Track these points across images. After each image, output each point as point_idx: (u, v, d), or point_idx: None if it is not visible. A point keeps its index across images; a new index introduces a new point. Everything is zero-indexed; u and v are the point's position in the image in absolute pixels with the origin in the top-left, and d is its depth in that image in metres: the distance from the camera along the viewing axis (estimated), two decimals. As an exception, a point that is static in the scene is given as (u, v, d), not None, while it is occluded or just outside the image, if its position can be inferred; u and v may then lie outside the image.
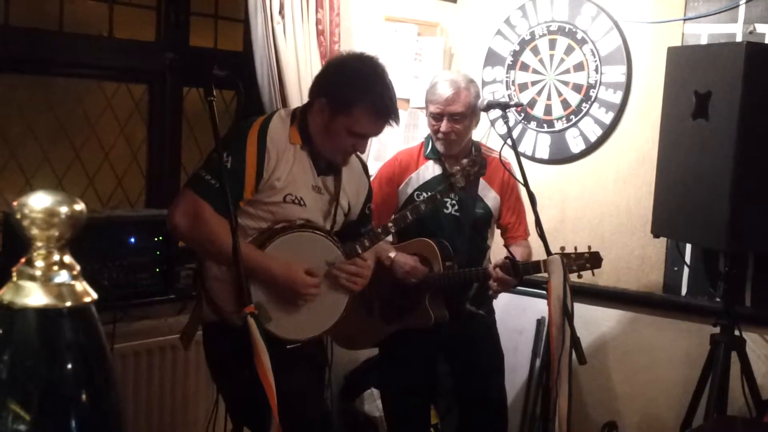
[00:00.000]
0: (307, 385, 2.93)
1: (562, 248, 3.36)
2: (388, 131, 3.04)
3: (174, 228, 2.77)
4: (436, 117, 3.53)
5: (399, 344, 3.65)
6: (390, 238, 3.43)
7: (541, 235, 3.29)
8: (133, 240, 3.48)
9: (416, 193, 3.59)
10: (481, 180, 3.54)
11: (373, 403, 4.35)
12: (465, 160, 3.32)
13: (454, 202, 3.57)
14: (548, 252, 3.23)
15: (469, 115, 3.52)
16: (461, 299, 3.61)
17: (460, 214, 3.58)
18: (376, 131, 2.93)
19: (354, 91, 2.81)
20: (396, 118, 2.92)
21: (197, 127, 4.05)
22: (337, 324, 2.99)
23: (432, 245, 3.52)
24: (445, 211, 3.58)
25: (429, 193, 3.33)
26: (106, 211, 3.57)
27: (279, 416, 2.36)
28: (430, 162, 3.63)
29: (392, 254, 3.50)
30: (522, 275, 3.34)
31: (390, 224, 3.10)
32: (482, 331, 3.73)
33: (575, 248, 3.39)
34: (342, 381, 4.51)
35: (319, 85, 2.93)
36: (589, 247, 3.41)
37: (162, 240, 3.55)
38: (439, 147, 3.58)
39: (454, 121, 3.49)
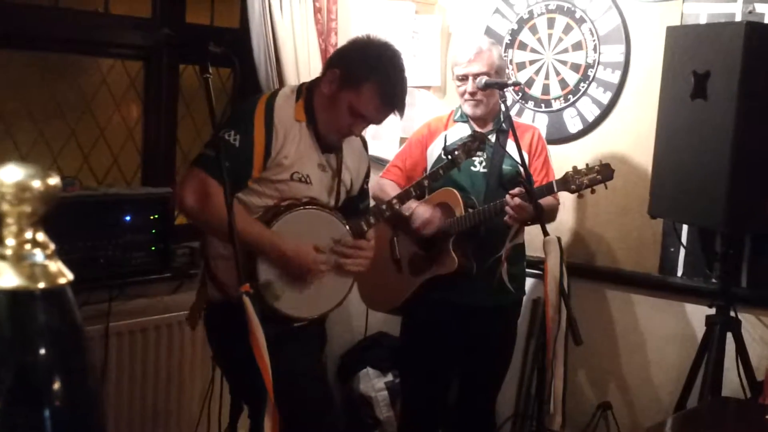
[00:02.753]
0: (312, 365, 2.95)
1: (574, 167, 3.41)
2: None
3: (183, 207, 2.77)
4: (461, 78, 3.62)
5: (423, 311, 3.69)
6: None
7: (539, 215, 3.28)
8: (128, 218, 3.46)
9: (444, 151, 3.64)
10: (509, 140, 3.56)
11: (368, 382, 4.35)
12: (466, 136, 3.37)
13: (482, 159, 3.61)
14: (545, 232, 3.22)
15: (492, 74, 3.57)
16: (492, 254, 3.60)
17: (488, 170, 3.61)
18: (377, 117, 2.93)
19: (367, 68, 2.83)
20: (401, 110, 2.93)
21: (193, 104, 4.02)
22: (343, 302, 3.01)
23: (454, 193, 3.55)
24: (472, 168, 3.60)
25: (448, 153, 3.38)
26: (102, 188, 3.55)
27: (281, 395, 2.36)
28: (459, 124, 3.73)
29: (413, 205, 3.51)
30: (536, 199, 3.30)
31: (394, 200, 3.13)
32: (505, 311, 3.75)
33: (586, 164, 3.41)
34: (338, 361, 4.51)
35: (338, 56, 2.96)
36: (600, 161, 3.42)
37: (158, 218, 3.54)
38: (467, 110, 3.66)
39: (478, 80, 3.55)
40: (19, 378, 0.87)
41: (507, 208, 3.39)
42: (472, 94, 3.59)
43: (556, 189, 3.42)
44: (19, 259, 0.88)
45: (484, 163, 3.62)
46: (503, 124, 3.64)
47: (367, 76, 2.81)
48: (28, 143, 3.53)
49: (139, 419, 3.58)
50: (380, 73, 2.83)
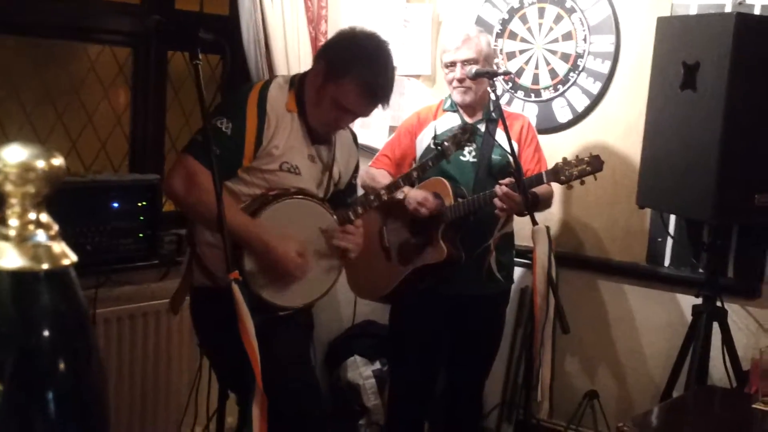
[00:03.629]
0: (298, 352, 2.94)
1: (564, 158, 3.41)
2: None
3: (171, 193, 2.75)
4: (449, 65, 3.61)
5: (412, 300, 3.69)
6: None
7: (528, 206, 3.29)
8: (116, 205, 3.45)
9: (433, 142, 3.64)
10: (499, 129, 3.56)
11: (356, 370, 4.36)
12: (455, 126, 3.37)
13: (471, 149, 3.60)
14: (534, 222, 3.23)
15: (480, 61, 3.57)
16: (480, 244, 3.61)
17: (478, 160, 3.61)
18: (362, 110, 2.90)
19: (349, 62, 2.79)
20: (384, 102, 2.89)
21: (182, 91, 4.00)
22: (329, 291, 3.00)
23: (444, 182, 3.55)
24: (462, 158, 3.60)
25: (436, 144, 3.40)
26: (90, 175, 3.53)
27: (267, 382, 2.36)
28: (448, 113, 3.72)
29: (406, 189, 3.50)
30: (526, 189, 3.31)
31: (382, 191, 3.12)
32: (494, 300, 3.76)
33: (576, 155, 3.42)
34: (325, 348, 4.51)
35: (323, 49, 2.94)
36: (590, 153, 3.43)
37: (145, 205, 3.52)
38: (456, 97, 3.65)
39: (466, 67, 3.55)
40: (23, 359, 0.86)
41: (495, 200, 3.40)
42: (461, 80, 3.58)
43: (545, 180, 3.42)
44: (22, 239, 0.87)
45: (473, 153, 3.61)
46: (492, 113, 3.64)
47: (348, 69, 2.78)
48: (15, 129, 3.50)
49: (127, 406, 3.57)
50: (361, 66, 2.79)
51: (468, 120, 3.65)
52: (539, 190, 3.48)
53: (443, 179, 3.56)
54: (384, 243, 3.69)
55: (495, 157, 3.62)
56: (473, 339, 3.78)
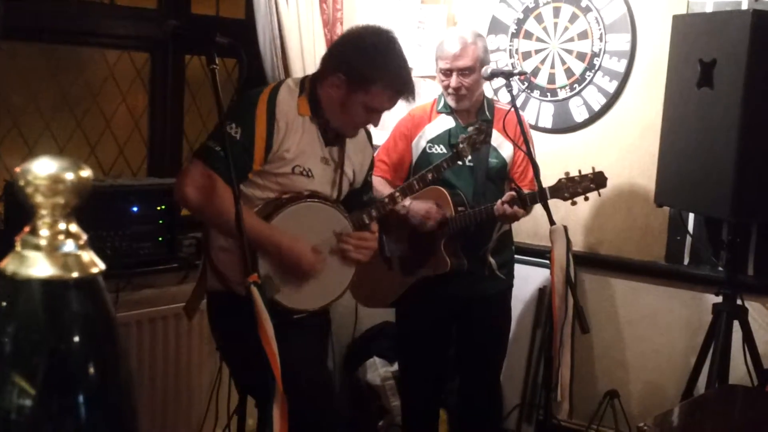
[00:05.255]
0: (311, 354, 2.94)
1: (567, 173, 3.38)
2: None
3: (183, 200, 2.75)
4: (446, 73, 3.58)
5: (417, 302, 3.69)
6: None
7: (545, 204, 3.29)
8: (135, 209, 3.47)
9: (429, 145, 3.66)
10: (495, 131, 3.57)
11: (375, 371, 4.37)
12: (471, 128, 3.36)
13: None
14: (551, 221, 3.23)
15: (477, 68, 3.55)
16: (480, 247, 3.62)
17: (474, 164, 3.59)
18: (392, 106, 2.95)
19: (373, 69, 2.80)
20: (412, 94, 2.93)
21: (199, 95, 4.03)
22: (344, 294, 3.00)
23: (443, 192, 3.54)
24: (459, 163, 3.58)
25: (440, 147, 3.46)
26: (109, 180, 3.56)
27: (284, 385, 2.37)
28: (442, 115, 3.69)
29: (407, 202, 3.48)
30: (528, 204, 3.32)
31: (397, 193, 3.14)
32: (498, 298, 3.75)
33: (579, 171, 3.38)
34: (344, 350, 4.52)
35: (337, 59, 2.88)
36: (593, 168, 3.40)
37: (164, 209, 3.54)
38: (450, 102, 3.64)
39: (463, 75, 3.54)
40: (54, 364, 0.88)
41: (498, 215, 3.40)
42: (456, 89, 3.56)
43: (549, 196, 3.35)
44: (53, 249, 0.90)
45: (470, 157, 3.57)
46: (488, 114, 3.64)
47: (373, 77, 2.80)
48: (34, 135, 3.53)
49: (149, 409, 3.58)
50: (386, 70, 2.82)
51: (462, 122, 3.64)
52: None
53: (442, 189, 3.54)
54: (385, 253, 3.67)
55: (492, 160, 3.62)
56: (480, 338, 3.78)
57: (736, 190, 3.34)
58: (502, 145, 3.63)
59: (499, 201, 3.38)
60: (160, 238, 3.56)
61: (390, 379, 4.34)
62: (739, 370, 3.65)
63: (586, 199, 3.41)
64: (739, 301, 3.61)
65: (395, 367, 4.36)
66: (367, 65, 2.80)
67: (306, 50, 3.80)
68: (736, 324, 3.59)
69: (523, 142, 3.51)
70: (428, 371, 3.84)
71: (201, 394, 3.72)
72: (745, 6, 3.78)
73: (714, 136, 3.40)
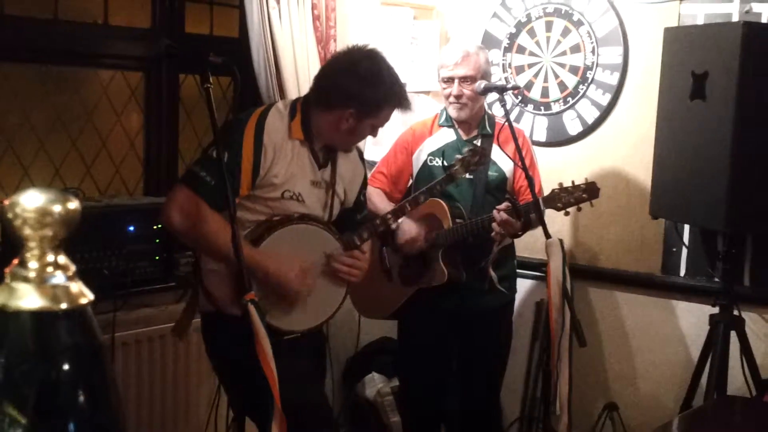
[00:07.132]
0: (305, 373, 2.93)
1: (560, 184, 3.40)
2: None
3: (169, 224, 2.75)
4: (447, 81, 3.62)
5: (419, 316, 3.70)
6: None
7: (540, 217, 3.30)
8: (132, 228, 3.47)
9: (429, 158, 3.70)
10: (495, 145, 3.59)
11: (374, 387, 4.36)
12: (466, 150, 3.37)
13: None
14: (547, 235, 3.23)
15: (478, 78, 3.58)
16: (480, 260, 3.62)
17: (474, 177, 3.60)
18: (390, 118, 3.02)
19: (380, 95, 2.87)
20: (409, 103, 3.00)
21: (194, 114, 4.04)
22: (335, 314, 3.01)
23: (441, 204, 3.55)
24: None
25: (441, 160, 3.51)
26: (105, 199, 3.56)
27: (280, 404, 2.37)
28: (444, 129, 3.73)
29: (400, 219, 3.49)
30: (523, 215, 3.33)
31: (389, 215, 3.14)
32: (499, 312, 3.77)
33: (572, 181, 3.40)
34: (343, 366, 4.52)
35: (343, 95, 2.87)
36: (586, 179, 3.42)
37: (161, 228, 3.54)
38: (452, 112, 3.66)
39: (464, 83, 3.57)
40: (45, 393, 0.89)
41: (494, 224, 3.40)
42: (458, 97, 3.60)
43: (543, 206, 3.39)
44: (42, 281, 0.91)
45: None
46: (488, 129, 3.66)
47: (380, 102, 2.87)
48: (29, 155, 3.54)
49: (147, 428, 3.58)
50: (389, 92, 2.88)
51: (463, 136, 3.67)
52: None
53: (441, 201, 3.55)
54: (384, 265, 3.70)
55: (491, 173, 3.64)
56: (481, 352, 3.80)
57: (731, 201, 3.35)
58: (502, 160, 3.65)
59: (495, 209, 3.40)
60: (157, 257, 3.56)
61: (389, 395, 4.34)
62: (737, 381, 3.65)
63: (579, 209, 3.42)
64: (735, 312, 3.62)
65: (394, 382, 4.36)
66: (374, 94, 2.86)
67: (300, 68, 3.81)
68: (733, 335, 3.60)
69: (525, 151, 3.55)
70: (429, 385, 3.84)
71: (199, 412, 3.71)
72: (735, 18, 3.79)
73: (707, 148, 3.42)
